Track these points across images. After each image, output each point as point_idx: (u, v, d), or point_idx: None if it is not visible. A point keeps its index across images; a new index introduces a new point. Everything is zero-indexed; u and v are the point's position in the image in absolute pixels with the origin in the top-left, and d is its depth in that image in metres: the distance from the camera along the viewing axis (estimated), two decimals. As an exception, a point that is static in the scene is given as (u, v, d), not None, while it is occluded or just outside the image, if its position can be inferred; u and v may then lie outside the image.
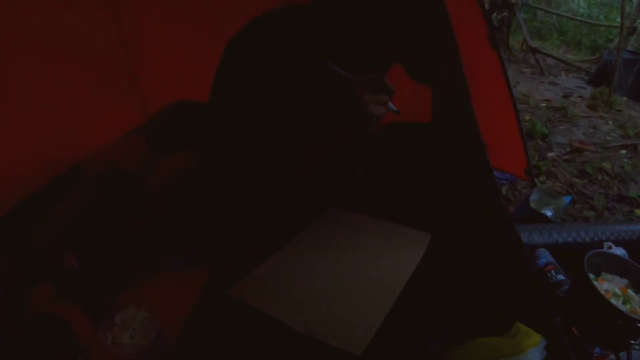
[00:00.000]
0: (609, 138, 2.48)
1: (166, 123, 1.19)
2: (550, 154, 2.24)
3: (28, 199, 1.11)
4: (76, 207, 1.01)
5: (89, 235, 0.97)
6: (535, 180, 1.76)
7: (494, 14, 4.06)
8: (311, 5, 0.85)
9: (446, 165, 0.99)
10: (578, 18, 5.32)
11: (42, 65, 1.15)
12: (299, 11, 0.84)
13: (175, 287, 0.92)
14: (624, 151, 2.30)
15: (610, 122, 2.71)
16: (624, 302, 0.85)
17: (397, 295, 0.82)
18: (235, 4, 1.08)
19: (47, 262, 0.92)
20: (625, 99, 3.21)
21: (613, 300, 0.83)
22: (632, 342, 0.81)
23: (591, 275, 0.87)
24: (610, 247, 1.11)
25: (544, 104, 2.98)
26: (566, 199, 1.57)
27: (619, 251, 1.08)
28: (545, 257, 1.11)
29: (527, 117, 2.68)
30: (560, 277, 1.04)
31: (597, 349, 0.87)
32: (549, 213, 1.42)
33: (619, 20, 3.77)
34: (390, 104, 0.82)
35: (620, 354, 0.83)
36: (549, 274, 1.05)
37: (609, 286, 0.88)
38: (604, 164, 2.13)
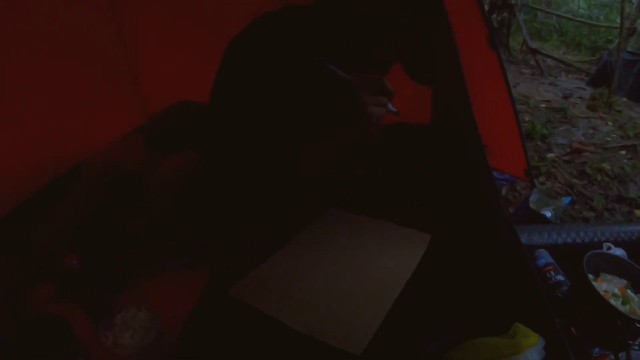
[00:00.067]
0: (609, 139, 2.48)
1: (166, 123, 1.19)
2: (549, 155, 2.24)
3: (28, 199, 1.11)
4: (76, 207, 1.01)
5: (89, 235, 0.97)
6: (535, 181, 1.77)
7: (494, 15, 4.07)
8: (311, 5, 0.85)
9: (446, 166, 0.99)
10: (578, 19, 5.34)
11: (42, 65, 1.16)
12: (299, 12, 0.84)
13: (175, 287, 0.92)
14: (623, 152, 2.31)
15: (610, 123, 2.72)
16: (623, 303, 0.85)
17: (396, 295, 0.82)
18: (235, 5, 1.08)
19: (47, 262, 0.92)
20: (625, 99, 3.22)
21: (612, 301, 0.83)
22: (631, 342, 0.81)
23: (590, 276, 0.87)
24: (609, 248, 1.11)
25: (544, 105, 2.99)
26: (566, 200, 1.58)
27: (619, 252, 1.08)
28: (544, 257, 1.11)
29: (527, 118, 2.68)
30: (560, 277, 1.04)
31: (597, 350, 0.87)
32: (548, 214, 1.42)
33: (618, 21, 3.78)
34: (390, 105, 0.82)
35: (619, 355, 0.83)
36: (548, 274, 1.05)
37: (608, 287, 0.88)
38: (604, 165, 2.13)
